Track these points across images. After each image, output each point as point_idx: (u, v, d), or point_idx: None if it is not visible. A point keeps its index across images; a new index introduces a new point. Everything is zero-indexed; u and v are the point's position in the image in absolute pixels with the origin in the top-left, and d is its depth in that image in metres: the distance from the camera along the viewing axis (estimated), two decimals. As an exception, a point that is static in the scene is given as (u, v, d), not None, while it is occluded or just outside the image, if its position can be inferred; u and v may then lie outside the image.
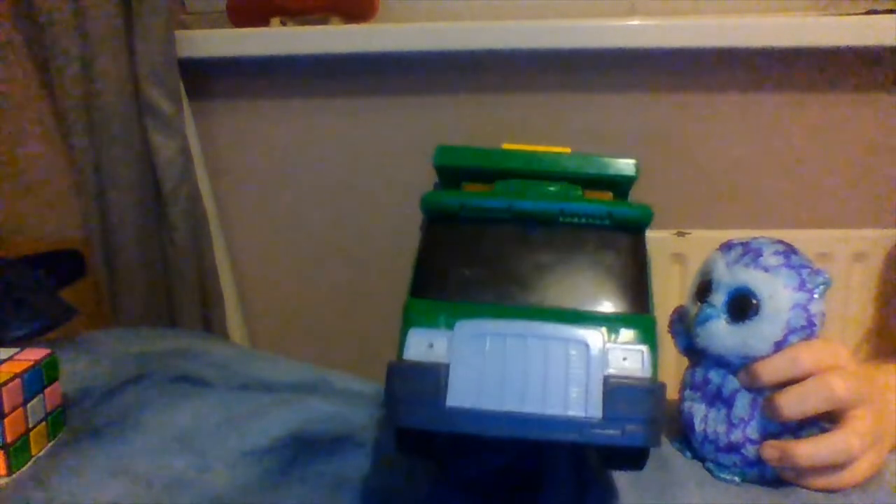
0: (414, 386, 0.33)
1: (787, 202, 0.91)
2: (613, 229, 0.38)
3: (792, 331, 0.42)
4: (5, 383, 0.42)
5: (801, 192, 0.91)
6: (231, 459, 0.45)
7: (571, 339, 0.33)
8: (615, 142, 0.90)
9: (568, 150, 0.41)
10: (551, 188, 0.40)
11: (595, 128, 0.90)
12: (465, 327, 0.34)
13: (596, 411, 0.32)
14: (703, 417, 0.45)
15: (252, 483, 0.44)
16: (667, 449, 0.47)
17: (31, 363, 0.45)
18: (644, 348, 0.34)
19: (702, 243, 0.88)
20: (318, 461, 0.45)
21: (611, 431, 0.32)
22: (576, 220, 0.38)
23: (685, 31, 0.81)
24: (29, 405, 0.44)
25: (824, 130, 0.88)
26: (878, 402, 0.43)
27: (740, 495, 0.43)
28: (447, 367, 0.33)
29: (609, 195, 0.41)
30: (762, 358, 0.42)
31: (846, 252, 0.86)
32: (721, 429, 0.44)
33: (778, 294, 0.42)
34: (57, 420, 0.47)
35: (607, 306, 0.36)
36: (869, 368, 0.47)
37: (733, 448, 0.43)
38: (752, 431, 0.43)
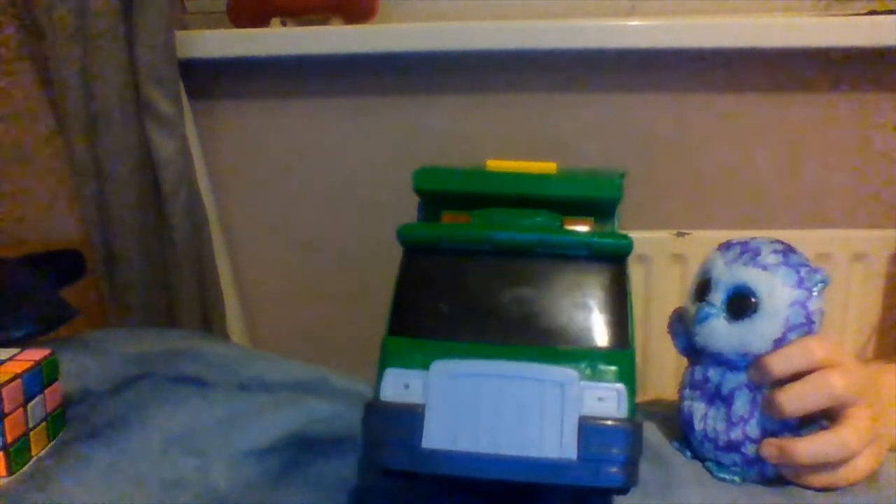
0: (390, 427, 0.33)
1: (787, 202, 0.91)
2: (593, 260, 0.38)
3: (791, 328, 0.42)
4: (5, 383, 0.42)
5: (801, 192, 0.91)
6: (231, 459, 0.45)
7: (546, 380, 0.33)
8: (615, 142, 0.90)
9: (554, 166, 0.41)
10: (530, 219, 0.39)
11: (595, 128, 0.90)
12: (441, 368, 0.34)
13: (571, 453, 0.32)
14: (703, 416, 0.45)
15: (252, 483, 0.44)
16: (667, 449, 0.47)
17: (31, 363, 0.45)
18: (620, 387, 0.34)
19: (702, 243, 0.87)
20: (318, 461, 0.45)
21: (586, 473, 0.32)
22: (555, 251, 0.38)
23: (685, 31, 0.81)
24: (29, 405, 0.44)
25: (824, 130, 0.88)
26: (877, 401, 0.43)
27: (741, 495, 0.43)
28: (423, 407, 0.33)
29: (591, 221, 0.41)
30: (762, 355, 0.43)
31: (846, 252, 0.86)
32: (721, 427, 0.44)
33: (776, 292, 0.42)
34: (57, 420, 0.47)
35: (585, 341, 0.36)
36: (869, 367, 0.47)
37: (733, 446, 0.43)
38: (752, 429, 0.43)
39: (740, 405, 0.43)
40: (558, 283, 0.37)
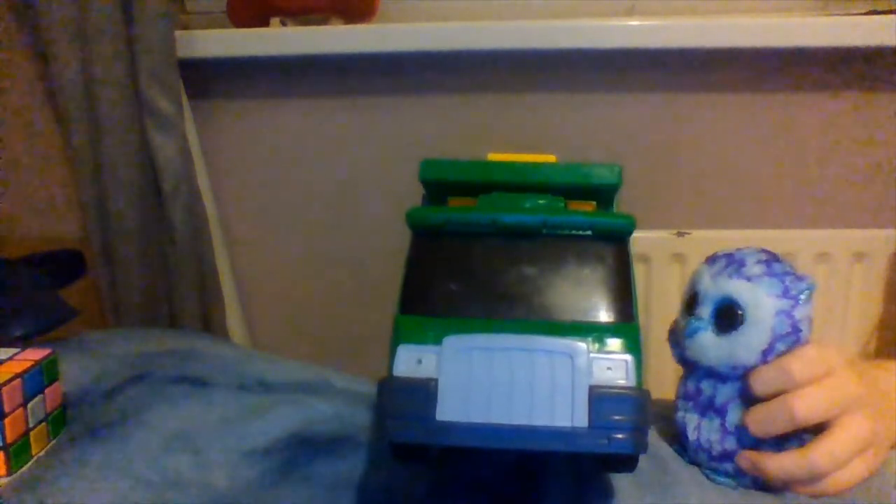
0: (404, 401, 0.34)
1: (787, 202, 0.91)
2: (597, 239, 0.38)
3: (777, 338, 0.42)
4: (5, 383, 0.42)
5: (801, 192, 0.91)
6: (231, 459, 0.45)
7: (556, 351, 0.34)
8: (615, 142, 0.90)
9: (553, 157, 0.42)
10: (534, 201, 0.40)
11: (595, 128, 0.90)
12: (453, 342, 0.35)
13: (582, 421, 0.33)
14: (697, 426, 0.45)
15: (252, 483, 0.44)
16: (666, 451, 0.48)
17: (32, 363, 0.45)
18: (628, 357, 0.35)
19: (702, 243, 0.88)
20: (318, 461, 0.45)
21: (597, 440, 0.33)
22: (559, 231, 0.38)
23: (685, 31, 0.81)
24: (29, 405, 0.44)
25: (824, 130, 0.88)
26: (876, 403, 0.43)
27: (741, 497, 0.43)
28: (436, 381, 0.34)
29: (592, 205, 0.42)
30: (751, 367, 0.43)
31: (846, 252, 0.86)
32: (714, 437, 0.44)
33: (761, 302, 0.42)
34: (57, 420, 0.47)
35: (592, 316, 0.36)
36: (869, 367, 0.47)
37: (727, 456, 0.44)
38: (747, 439, 0.43)
39: (733, 416, 0.44)
40: (564, 262, 0.38)
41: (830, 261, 0.86)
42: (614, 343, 0.35)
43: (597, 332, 0.35)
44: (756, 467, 0.42)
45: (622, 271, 0.38)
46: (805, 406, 0.41)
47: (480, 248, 0.38)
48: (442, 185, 0.43)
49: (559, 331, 0.35)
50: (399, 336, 0.36)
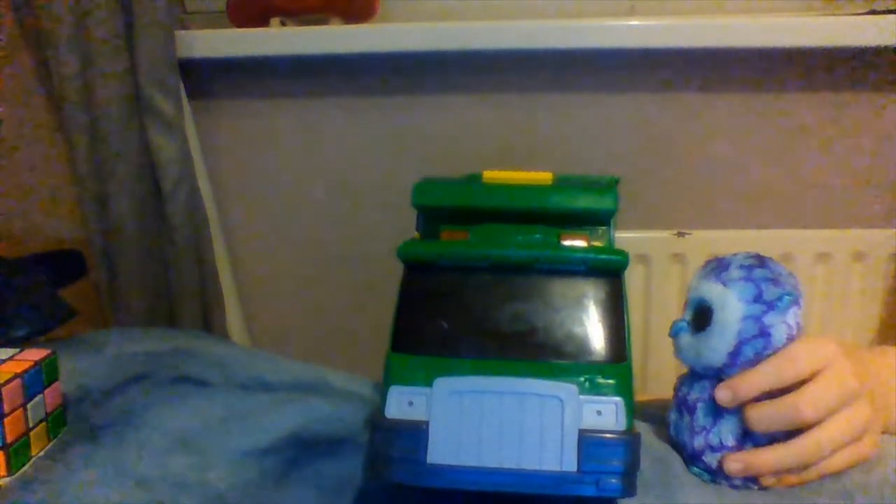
0: (396, 444, 0.35)
1: (787, 202, 0.91)
2: (590, 275, 0.39)
3: (744, 341, 0.42)
4: (5, 383, 0.42)
5: (801, 192, 0.91)
6: (231, 459, 0.45)
7: (546, 395, 0.34)
8: (615, 142, 0.90)
9: (549, 175, 0.42)
10: (527, 236, 0.40)
11: (595, 128, 0.90)
12: (444, 385, 0.35)
13: (571, 465, 0.34)
14: (675, 425, 0.46)
15: (252, 483, 0.44)
16: (667, 450, 0.48)
17: (31, 363, 0.45)
18: (618, 400, 0.35)
19: (702, 243, 0.88)
20: (318, 461, 0.45)
21: (586, 484, 0.34)
22: (552, 267, 0.39)
23: (685, 31, 0.81)
24: (29, 405, 0.44)
25: (824, 130, 0.88)
26: (870, 388, 0.43)
27: (742, 497, 0.43)
28: (427, 424, 0.35)
29: (586, 236, 0.42)
30: (719, 367, 0.43)
31: (846, 252, 0.86)
32: (685, 437, 0.45)
33: (729, 306, 0.42)
34: (57, 420, 0.47)
35: (584, 355, 0.37)
36: (861, 351, 0.47)
37: (696, 456, 0.44)
38: (713, 439, 0.43)
39: (701, 415, 0.44)
40: (556, 299, 0.38)
41: (830, 261, 0.86)
42: (605, 384, 0.35)
43: (588, 372, 0.35)
44: (749, 468, 0.42)
45: (615, 308, 0.38)
46: (812, 405, 0.40)
47: (472, 284, 0.39)
48: (435, 210, 0.43)
49: (550, 372, 0.35)
50: (390, 377, 0.36)
